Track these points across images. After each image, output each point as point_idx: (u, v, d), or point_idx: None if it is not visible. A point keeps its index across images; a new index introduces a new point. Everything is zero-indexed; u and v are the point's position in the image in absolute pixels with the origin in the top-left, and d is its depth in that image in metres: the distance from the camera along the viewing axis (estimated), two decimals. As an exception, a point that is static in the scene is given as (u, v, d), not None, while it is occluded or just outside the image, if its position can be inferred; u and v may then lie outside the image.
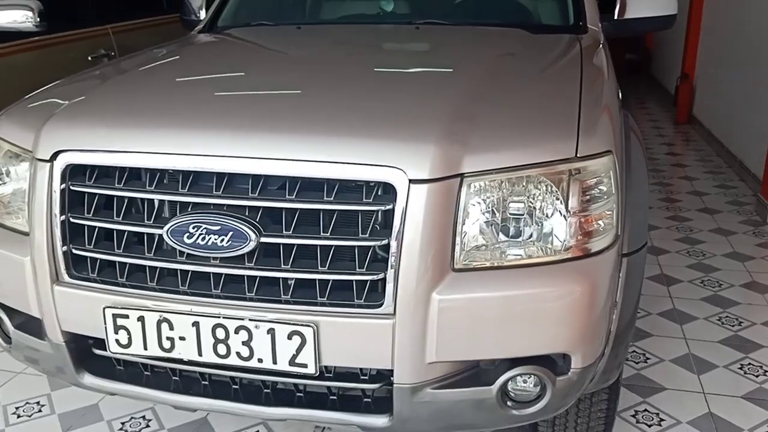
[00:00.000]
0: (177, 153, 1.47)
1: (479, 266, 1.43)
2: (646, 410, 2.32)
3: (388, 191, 1.40)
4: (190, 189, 1.46)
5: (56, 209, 1.53)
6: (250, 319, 1.43)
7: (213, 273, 1.46)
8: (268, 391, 1.56)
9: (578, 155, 1.44)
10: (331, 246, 1.42)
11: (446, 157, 1.39)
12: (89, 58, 3.74)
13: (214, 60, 2.27)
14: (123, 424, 2.26)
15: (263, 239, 1.41)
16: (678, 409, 2.33)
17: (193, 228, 1.43)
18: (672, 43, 7.28)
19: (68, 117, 1.64)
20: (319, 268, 1.42)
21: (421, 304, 1.39)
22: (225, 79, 1.97)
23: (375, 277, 1.40)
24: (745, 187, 4.63)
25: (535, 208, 1.44)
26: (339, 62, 2.11)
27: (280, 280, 1.44)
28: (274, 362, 1.44)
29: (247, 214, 1.43)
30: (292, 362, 1.43)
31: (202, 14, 2.91)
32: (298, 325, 1.41)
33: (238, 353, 1.45)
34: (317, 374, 1.44)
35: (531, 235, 1.45)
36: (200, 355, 1.47)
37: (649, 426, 2.25)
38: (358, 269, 1.41)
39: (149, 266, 1.50)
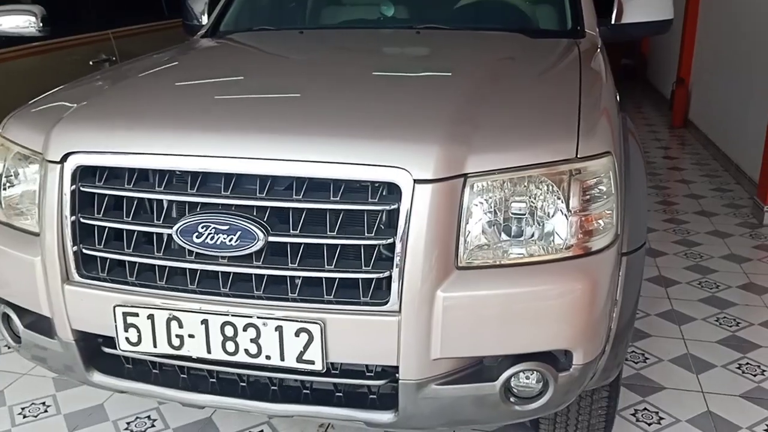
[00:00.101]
0: (186, 154, 1.50)
1: (483, 264, 1.46)
2: (645, 409, 2.35)
3: (393, 191, 1.43)
4: (198, 189, 1.49)
5: (66, 210, 1.56)
6: (258, 317, 1.45)
7: (221, 272, 1.49)
8: (275, 388, 1.58)
9: (578, 156, 1.47)
10: (338, 245, 1.45)
11: (450, 158, 1.43)
12: (91, 63, 3.77)
13: (219, 63, 2.30)
14: (128, 424, 2.28)
15: (271, 238, 1.44)
16: (677, 407, 2.36)
17: (202, 228, 1.46)
18: (667, 49, 7.34)
19: (78, 119, 1.67)
20: (326, 266, 1.45)
21: (426, 301, 1.41)
22: (231, 82, 2.00)
23: (380, 276, 1.43)
24: (741, 190, 4.68)
25: (536, 207, 1.47)
26: (343, 65, 2.14)
27: (288, 278, 1.47)
28: (282, 359, 1.46)
29: (254, 213, 1.46)
30: (299, 359, 1.46)
31: (204, 19, 2.95)
32: (305, 322, 1.44)
33: (246, 350, 1.48)
34: (324, 371, 1.47)
35: (533, 234, 1.48)
36: (209, 352, 1.50)
37: (649, 424, 2.28)
38: (363, 268, 1.44)
39: (158, 265, 1.52)
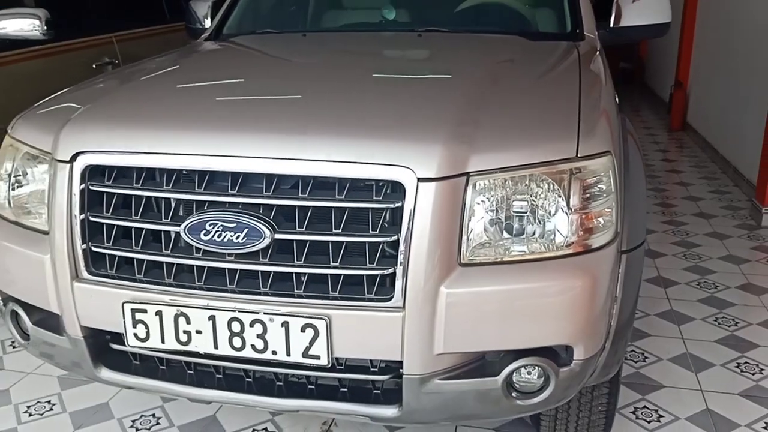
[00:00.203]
0: (194, 153, 1.53)
1: (485, 261, 1.49)
2: (645, 407, 2.38)
3: (397, 189, 1.46)
4: (206, 188, 1.51)
5: (76, 208, 1.59)
6: (265, 313, 1.48)
7: (228, 269, 1.51)
8: (281, 383, 1.61)
9: (579, 155, 1.51)
10: (343, 242, 1.47)
11: (452, 157, 1.46)
12: (94, 66, 3.80)
13: (224, 65, 2.33)
14: (133, 422, 2.30)
15: (277, 236, 1.47)
16: (676, 405, 2.38)
17: (210, 225, 1.48)
18: (665, 52, 7.38)
19: (87, 120, 1.70)
20: (331, 263, 1.48)
21: (430, 297, 1.44)
22: (236, 83, 2.03)
23: (385, 272, 1.46)
24: (739, 192, 4.71)
25: (537, 205, 1.50)
26: (347, 67, 2.18)
27: (294, 275, 1.49)
28: (288, 354, 1.49)
29: (261, 211, 1.49)
30: (305, 354, 1.48)
31: (207, 23, 2.98)
32: (311, 318, 1.46)
33: (252, 346, 1.50)
34: (329, 366, 1.50)
35: (534, 232, 1.51)
36: (216, 348, 1.53)
37: (649, 422, 2.30)
38: (368, 264, 1.47)
39: (166, 262, 1.55)
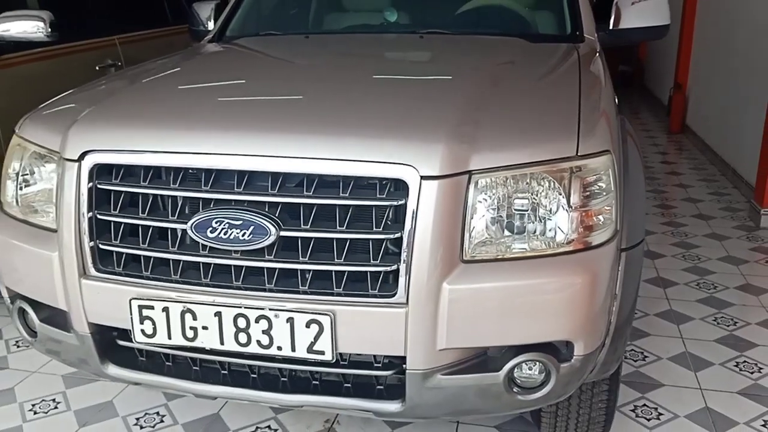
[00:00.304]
0: (200, 152, 1.55)
1: (487, 258, 1.51)
2: (645, 405, 2.40)
3: (400, 187, 1.48)
4: (212, 186, 1.54)
5: (84, 207, 1.61)
6: (270, 309, 1.51)
7: (234, 265, 1.54)
8: (285, 379, 1.63)
9: (579, 154, 1.53)
10: (347, 239, 1.50)
11: (455, 156, 1.48)
12: (97, 68, 3.83)
13: (229, 66, 2.36)
14: (138, 419, 2.32)
15: (282, 233, 1.49)
16: (676, 404, 2.40)
17: (216, 223, 1.51)
18: (664, 55, 7.42)
19: (95, 119, 1.72)
20: (336, 260, 1.50)
21: (433, 293, 1.47)
22: (241, 83, 2.06)
23: (388, 269, 1.48)
24: (738, 194, 4.74)
25: (538, 203, 1.53)
26: (350, 68, 2.20)
27: (299, 271, 1.52)
28: (293, 350, 1.51)
29: (267, 209, 1.51)
30: (310, 349, 1.50)
31: (210, 25, 3.01)
32: (316, 314, 1.49)
33: (258, 341, 1.53)
34: (334, 361, 1.52)
35: (535, 229, 1.53)
36: (222, 343, 1.55)
37: (648, 420, 2.32)
38: (372, 261, 1.49)
39: (173, 260, 1.58)
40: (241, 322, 1.52)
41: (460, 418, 2.20)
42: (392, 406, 1.57)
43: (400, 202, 1.47)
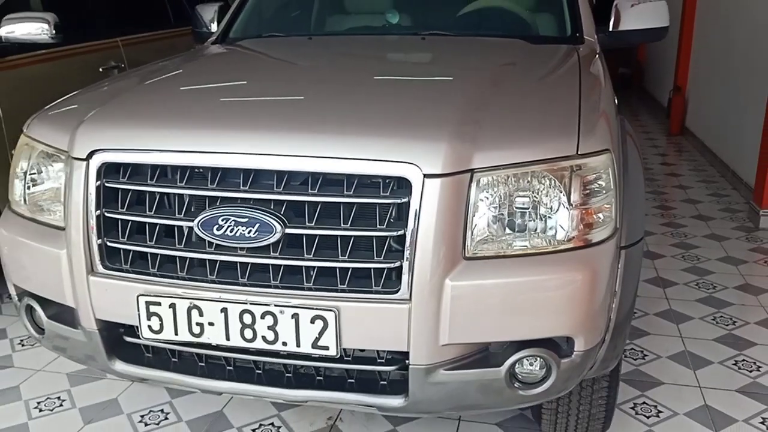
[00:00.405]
0: (207, 151, 1.58)
1: (489, 255, 1.53)
2: (644, 403, 2.42)
3: (403, 185, 1.51)
4: (218, 184, 1.56)
5: (92, 205, 1.64)
6: (276, 305, 1.53)
7: (240, 262, 1.56)
8: (290, 375, 1.65)
9: (579, 153, 1.56)
10: (351, 237, 1.52)
11: (457, 154, 1.51)
12: (100, 70, 3.86)
13: (233, 67, 2.39)
14: (142, 417, 2.34)
15: (288, 230, 1.52)
16: (675, 401, 2.42)
17: (222, 220, 1.53)
18: (664, 57, 7.45)
19: (103, 119, 1.75)
20: (340, 257, 1.52)
21: (435, 289, 1.49)
22: (246, 84, 2.09)
23: (392, 265, 1.51)
24: (737, 195, 4.76)
25: (539, 201, 1.55)
26: (353, 69, 2.23)
27: (304, 268, 1.54)
28: (298, 345, 1.54)
29: (272, 207, 1.54)
30: (314, 345, 1.53)
31: (214, 27, 3.04)
32: (320, 310, 1.51)
33: (263, 337, 1.55)
34: (338, 356, 1.54)
35: (536, 227, 1.56)
36: (228, 339, 1.57)
37: (648, 417, 2.34)
38: (375, 258, 1.52)
39: (180, 257, 1.60)
40: (247, 318, 1.55)
41: (462, 413, 2.22)
42: (395, 401, 1.59)
43: (403, 200, 1.49)
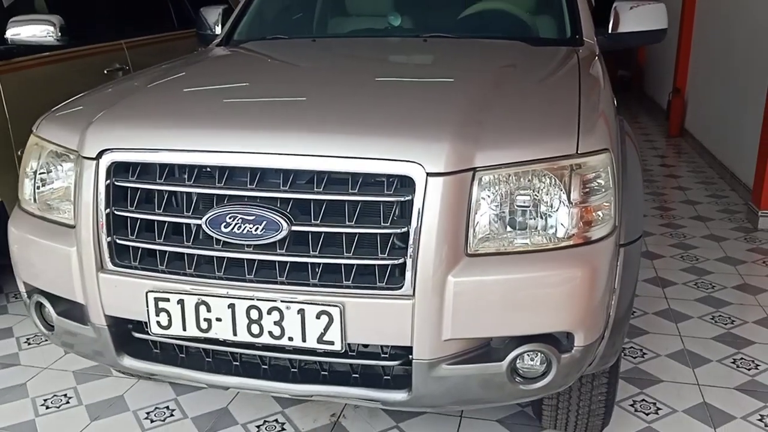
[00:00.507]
0: (214, 150, 1.61)
1: (490, 252, 1.57)
2: (643, 400, 2.45)
3: (407, 184, 1.54)
4: (226, 183, 1.60)
5: (101, 203, 1.67)
6: (282, 301, 1.56)
7: (247, 259, 1.60)
8: (295, 370, 1.69)
9: (579, 152, 1.59)
10: (356, 234, 1.56)
11: (459, 153, 1.54)
12: (105, 72, 3.90)
13: (239, 69, 2.43)
14: (148, 414, 2.38)
15: (294, 228, 1.55)
16: (674, 399, 2.45)
17: (230, 218, 1.57)
18: (663, 59, 7.49)
19: (112, 119, 1.78)
20: (345, 254, 1.56)
21: (438, 286, 1.52)
22: (252, 85, 2.13)
23: (395, 262, 1.54)
24: (736, 196, 4.80)
25: (540, 199, 1.59)
26: (357, 71, 2.27)
27: (309, 265, 1.58)
28: (304, 340, 1.57)
29: (278, 205, 1.57)
30: (320, 340, 1.56)
31: (218, 29, 3.07)
32: (325, 305, 1.54)
33: (270, 332, 1.58)
34: (343, 351, 1.58)
35: (536, 224, 1.59)
36: (235, 334, 1.61)
37: (647, 414, 2.37)
38: (380, 255, 1.55)
39: (188, 254, 1.63)
40: (254, 314, 1.58)
41: (464, 408, 2.25)
42: (399, 396, 1.62)
43: (406, 198, 1.53)
